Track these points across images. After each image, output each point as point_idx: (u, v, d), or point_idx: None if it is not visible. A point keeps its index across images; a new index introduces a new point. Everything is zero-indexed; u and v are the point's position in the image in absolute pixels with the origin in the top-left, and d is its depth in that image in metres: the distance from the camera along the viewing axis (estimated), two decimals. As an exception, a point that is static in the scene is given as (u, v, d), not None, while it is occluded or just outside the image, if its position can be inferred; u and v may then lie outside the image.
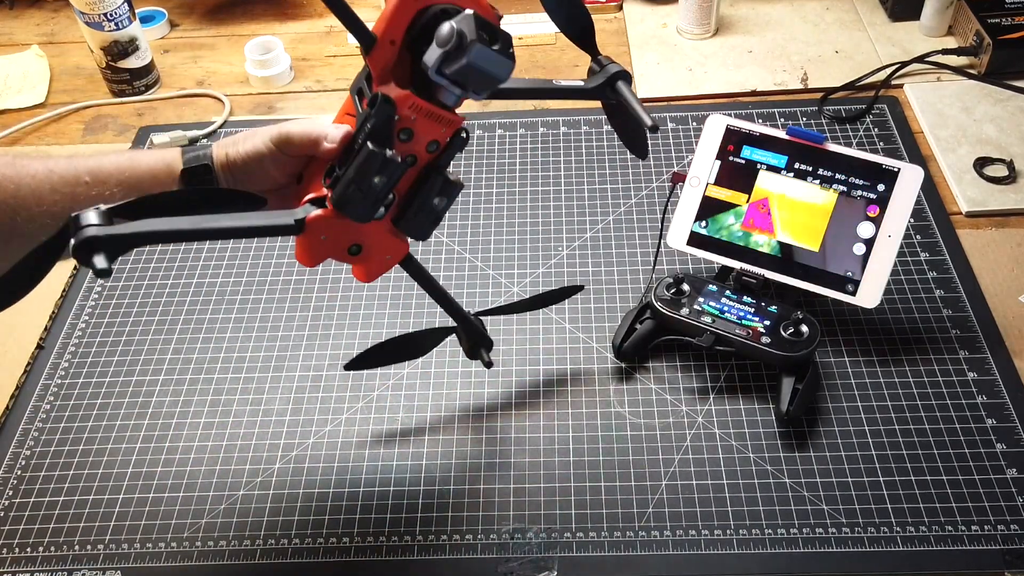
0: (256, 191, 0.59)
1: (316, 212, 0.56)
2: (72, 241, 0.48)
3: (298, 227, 0.55)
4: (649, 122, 0.63)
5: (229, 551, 0.68)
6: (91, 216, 0.49)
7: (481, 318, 0.72)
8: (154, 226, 0.51)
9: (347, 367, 0.72)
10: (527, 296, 0.78)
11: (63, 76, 1.16)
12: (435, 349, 0.80)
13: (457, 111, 0.57)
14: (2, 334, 0.84)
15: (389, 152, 0.54)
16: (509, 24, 1.16)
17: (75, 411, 0.78)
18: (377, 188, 0.54)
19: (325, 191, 0.56)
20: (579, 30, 0.66)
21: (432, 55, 0.52)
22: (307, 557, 0.67)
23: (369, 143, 0.53)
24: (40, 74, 1.15)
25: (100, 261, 0.48)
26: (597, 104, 1.04)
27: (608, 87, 0.66)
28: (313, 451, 0.74)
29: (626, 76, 0.66)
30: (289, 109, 1.08)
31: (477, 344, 0.71)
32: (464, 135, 0.59)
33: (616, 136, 0.73)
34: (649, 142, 0.66)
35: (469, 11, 0.52)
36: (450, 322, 0.70)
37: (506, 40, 0.53)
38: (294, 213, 0.56)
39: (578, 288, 0.80)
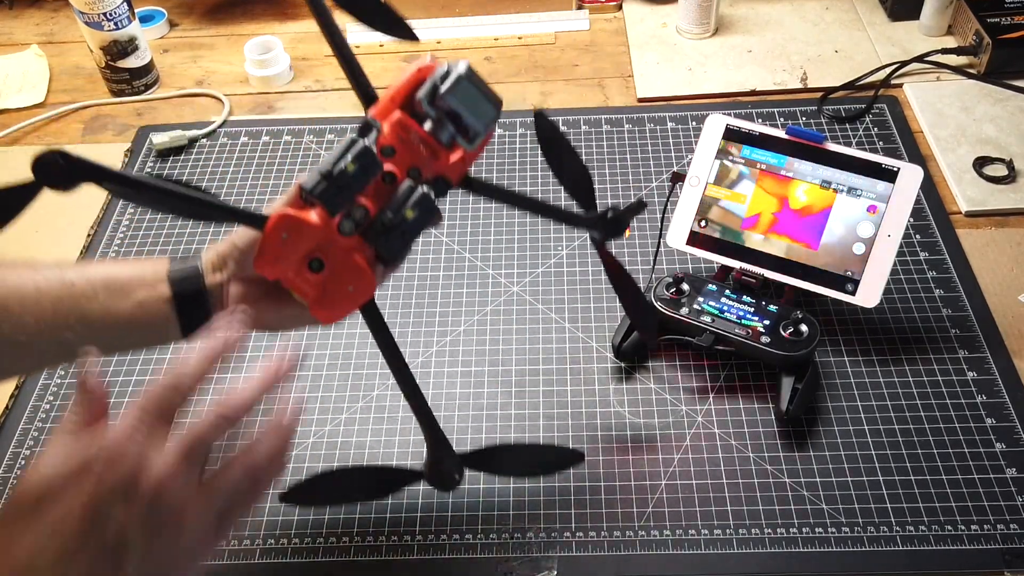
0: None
1: (282, 207, 0.54)
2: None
3: (261, 220, 0.53)
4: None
5: (229, 551, 0.68)
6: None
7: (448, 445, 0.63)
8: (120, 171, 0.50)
9: (283, 498, 0.62)
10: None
11: (62, 76, 1.16)
12: (435, 348, 0.80)
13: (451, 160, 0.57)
14: (2, 334, 0.84)
15: (365, 140, 0.54)
16: (509, 24, 1.16)
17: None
18: (348, 175, 0.53)
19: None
20: (583, 188, 0.67)
21: (425, 86, 0.55)
22: (307, 557, 0.67)
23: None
24: (39, 74, 1.15)
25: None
26: (597, 104, 1.04)
27: (605, 222, 0.67)
28: (313, 451, 0.74)
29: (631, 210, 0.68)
30: (289, 109, 1.08)
31: (443, 467, 0.62)
32: (447, 183, 0.58)
33: (615, 137, 0.73)
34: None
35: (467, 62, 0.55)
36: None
37: (496, 99, 0.57)
38: (262, 212, 0.55)
39: (578, 458, 0.69)
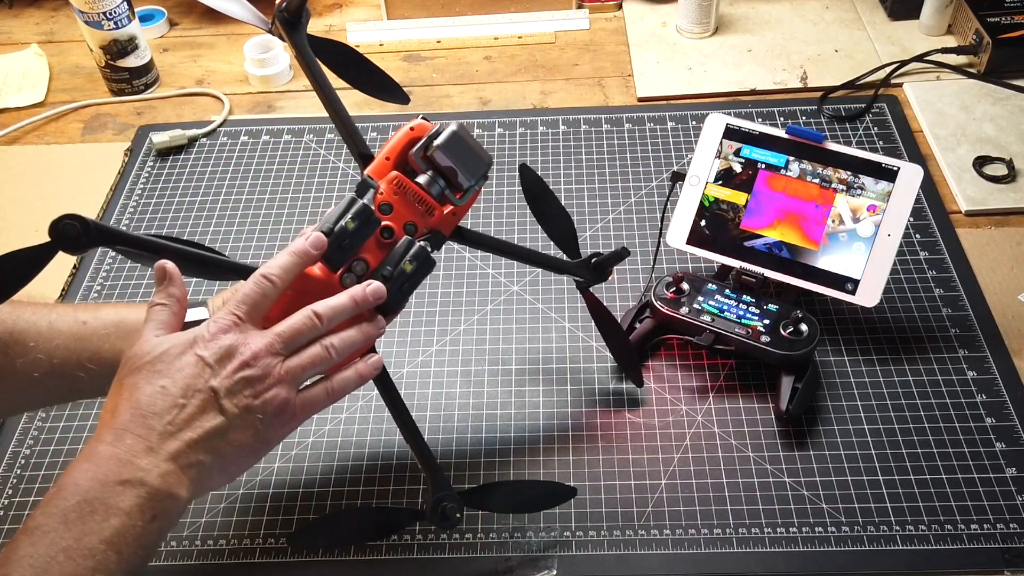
0: None
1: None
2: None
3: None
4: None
5: (229, 550, 0.68)
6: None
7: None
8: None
9: (290, 542, 0.67)
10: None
11: (62, 75, 1.16)
12: (435, 348, 0.80)
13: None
14: (2, 333, 0.84)
15: (364, 199, 0.58)
16: (509, 24, 1.16)
17: (75, 410, 0.78)
18: (349, 232, 0.57)
19: None
20: (567, 236, 0.70)
21: (418, 143, 0.60)
22: (307, 556, 0.67)
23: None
24: (39, 73, 1.15)
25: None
26: (597, 104, 1.04)
27: (589, 268, 0.71)
28: (313, 450, 0.74)
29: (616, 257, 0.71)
30: (288, 108, 1.08)
31: (445, 508, 0.62)
32: (441, 236, 0.63)
33: (615, 137, 0.73)
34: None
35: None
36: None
37: (487, 156, 0.62)
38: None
39: (571, 493, 0.68)
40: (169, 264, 0.56)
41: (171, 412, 0.51)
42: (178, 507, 0.51)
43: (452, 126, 0.60)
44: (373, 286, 0.57)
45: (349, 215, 0.57)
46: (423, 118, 0.62)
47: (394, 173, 0.60)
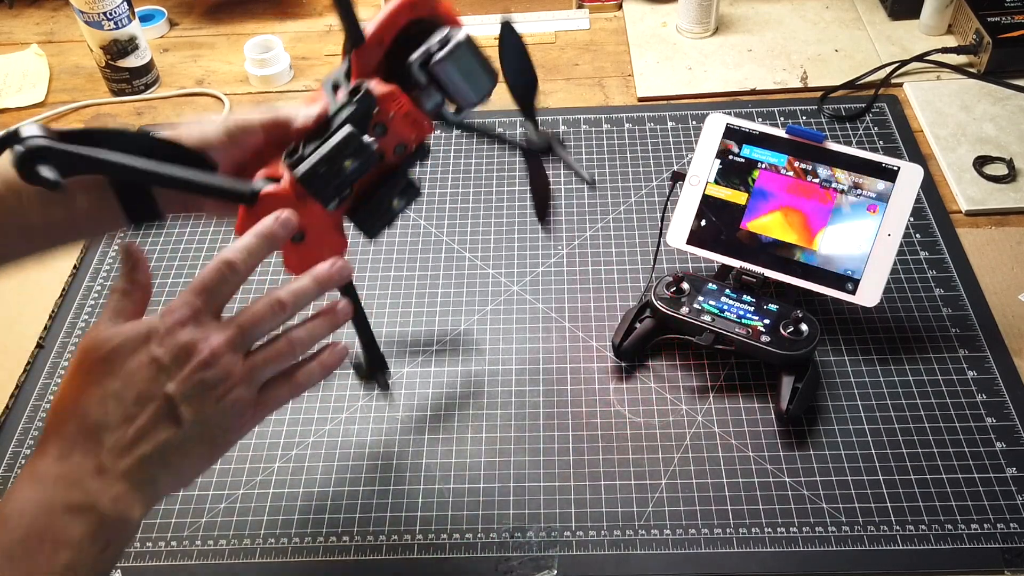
0: None
1: (273, 187, 0.54)
2: (16, 149, 0.46)
3: (251, 198, 0.54)
4: (588, 178, 0.66)
5: (229, 550, 0.68)
6: (34, 128, 0.47)
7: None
8: (107, 156, 0.49)
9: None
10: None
11: (62, 75, 1.16)
12: (435, 348, 0.80)
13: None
14: (2, 333, 0.84)
15: (367, 138, 0.53)
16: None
17: (75, 410, 0.78)
18: (346, 172, 0.53)
19: (282, 170, 0.54)
20: (523, 86, 0.65)
21: (419, 50, 0.53)
22: (307, 556, 0.67)
23: (348, 125, 0.53)
24: (39, 73, 1.15)
25: (48, 172, 0.46)
26: (597, 104, 1.04)
27: (549, 149, 0.66)
28: (313, 450, 0.74)
29: (559, 141, 0.67)
30: (289, 108, 1.08)
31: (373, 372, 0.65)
32: (427, 146, 0.58)
33: (615, 136, 0.73)
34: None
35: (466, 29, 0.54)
36: None
37: (493, 72, 0.56)
38: (251, 184, 0.54)
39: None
40: (135, 247, 0.52)
41: (123, 426, 0.46)
42: (132, 529, 0.47)
43: (459, 35, 0.53)
44: (339, 264, 0.53)
45: (349, 158, 0.52)
46: None
47: (392, 88, 0.54)
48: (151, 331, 0.48)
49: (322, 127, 0.55)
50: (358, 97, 0.53)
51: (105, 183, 0.54)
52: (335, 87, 0.57)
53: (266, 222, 0.52)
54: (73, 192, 0.51)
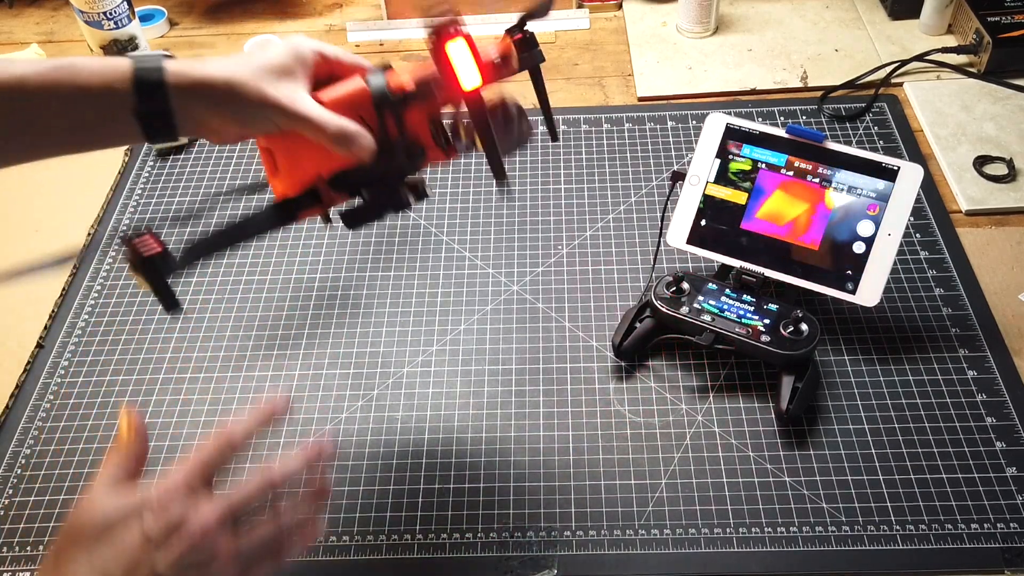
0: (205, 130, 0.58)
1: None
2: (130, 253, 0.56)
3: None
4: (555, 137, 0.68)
5: (229, 550, 0.68)
6: (149, 241, 0.57)
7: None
8: (208, 244, 0.60)
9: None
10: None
11: (62, 75, 1.16)
12: (435, 348, 0.80)
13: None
14: (2, 333, 0.84)
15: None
16: (509, 23, 1.16)
17: (75, 410, 0.78)
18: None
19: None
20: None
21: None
22: (307, 556, 0.67)
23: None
24: (39, 73, 1.15)
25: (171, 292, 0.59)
26: (597, 103, 1.04)
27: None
28: (313, 450, 0.74)
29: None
30: (289, 108, 1.08)
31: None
32: (425, 192, 0.65)
33: (615, 136, 0.73)
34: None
35: None
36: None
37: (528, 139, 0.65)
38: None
39: None
40: (137, 416, 0.55)
41: None
42: None
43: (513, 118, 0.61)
44: (324, 444, 0.56)
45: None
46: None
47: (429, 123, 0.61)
48: (145, 503, 0.50)
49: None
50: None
51: (130, 112, 0.55)
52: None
53: (266, 409, 0.56)
54: (99, 113, 0.54)
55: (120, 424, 0.55)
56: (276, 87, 0.56)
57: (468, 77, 0.57)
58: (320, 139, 0.57)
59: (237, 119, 0.56)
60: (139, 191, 0.98)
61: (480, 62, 0.58)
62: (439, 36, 0.56)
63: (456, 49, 0.56)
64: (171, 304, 0.60)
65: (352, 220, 0.64)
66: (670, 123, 1.01)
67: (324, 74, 0.60)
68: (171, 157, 1.01)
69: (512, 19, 0.63)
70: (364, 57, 0.62)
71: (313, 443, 0.56)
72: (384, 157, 0.60)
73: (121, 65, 0.54)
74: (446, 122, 0.61)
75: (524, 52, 0.65)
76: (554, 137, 0.67)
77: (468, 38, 0.57)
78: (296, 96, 0.56)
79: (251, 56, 0.56)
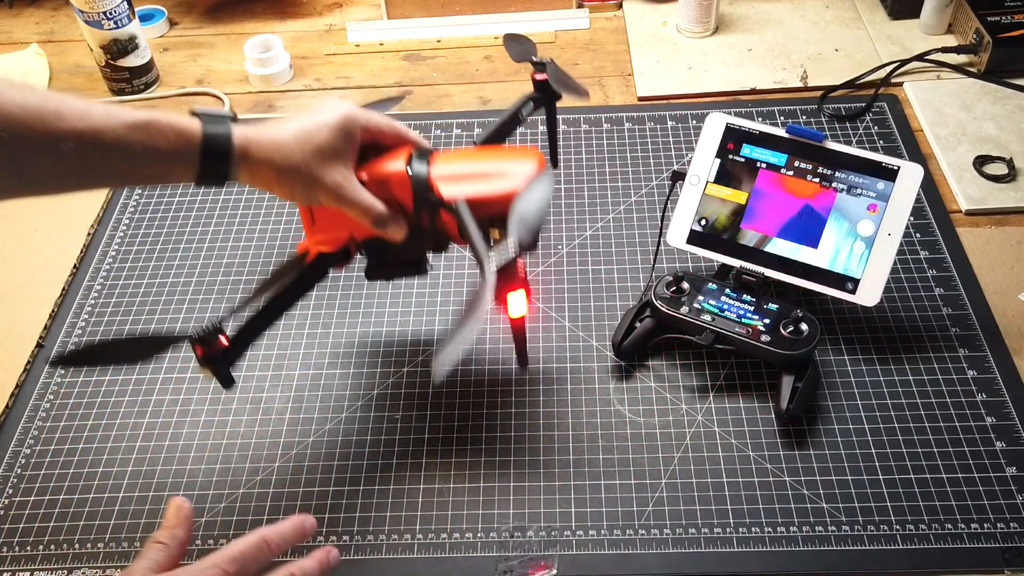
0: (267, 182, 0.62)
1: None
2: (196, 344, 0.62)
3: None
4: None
5: (229, 550, 0.68)
6: (216, 337, 0.63)
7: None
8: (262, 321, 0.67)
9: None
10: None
11: (63, 75, 1.16)
12: (434, 349, 0.80)
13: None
14: (2, 333, 0.84)
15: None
16: (509, 23, 1.16)
17: (75, 410, 0.78)
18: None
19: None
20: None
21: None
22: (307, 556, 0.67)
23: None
24: (40, 73, 1.15)
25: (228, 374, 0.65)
26: (597, 103, 1.04)
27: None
28: (313, 449, 0.74)
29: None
30: (289, 107, 1.08)
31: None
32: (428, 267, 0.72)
33: (615, 136, 0.73)
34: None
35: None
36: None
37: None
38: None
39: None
40: (186, 505, 0.57)
41: None
42: None
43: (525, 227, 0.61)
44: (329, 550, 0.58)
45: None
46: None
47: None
48: None
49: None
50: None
51: (193, 173, 0.59)
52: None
53: (304, 524, 0.58)
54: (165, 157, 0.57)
55: (168, 511, 0.56)
56: (328, 173, 0.61)
57: (517, 310, 0.64)
58: (361, 220, 0.64)
59: (286, 192, 0.62)
60: (139, 191, 0.98)
61: (529, 294, 0.64)
62: (503, 283, 0.61)
63: (515, 296, 0.63)
64: (229, 383, 0.66)
65: (373, 276, 0.72)
66: (670, 123, 1.01)
67: (368, 141, 0.65)
68: (171, 157, 1.01)
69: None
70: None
71: (326, 551, 0.58)
72: (414, 239, 0.66)
73: (191, 129, 0.57)
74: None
75: (540, 94, 0.77)
76: (555, 165, 0.72)
77: (525, 284, 0.63)
78: (345, 183, 0.62)
79: (308, 133, 0.61)
